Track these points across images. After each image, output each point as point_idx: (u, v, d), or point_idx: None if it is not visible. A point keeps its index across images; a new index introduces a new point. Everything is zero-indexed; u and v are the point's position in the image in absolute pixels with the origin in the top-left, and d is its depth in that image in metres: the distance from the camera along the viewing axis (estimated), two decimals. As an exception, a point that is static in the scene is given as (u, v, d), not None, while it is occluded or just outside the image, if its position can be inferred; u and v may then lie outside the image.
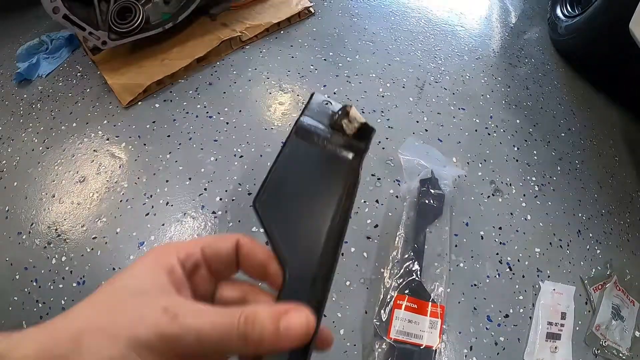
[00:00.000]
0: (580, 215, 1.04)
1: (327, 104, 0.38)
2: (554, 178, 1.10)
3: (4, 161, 1.04)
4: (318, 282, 0.30)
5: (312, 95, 0.38)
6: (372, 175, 1.00)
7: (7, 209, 0.96)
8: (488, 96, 1.25)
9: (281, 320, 0.24)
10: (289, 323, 0.24)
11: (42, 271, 0.86)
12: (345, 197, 0.33)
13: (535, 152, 1.14)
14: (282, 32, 1.34)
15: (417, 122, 1.14)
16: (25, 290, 0.84)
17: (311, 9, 1.38)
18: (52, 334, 0.23)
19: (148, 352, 0.22)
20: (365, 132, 0.36)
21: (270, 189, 0.32)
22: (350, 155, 0.35)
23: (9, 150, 1.06)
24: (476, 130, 1.15)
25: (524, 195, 1.04)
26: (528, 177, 1.08)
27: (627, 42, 1.03)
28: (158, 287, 0.25)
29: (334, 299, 0.82)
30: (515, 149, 1.13)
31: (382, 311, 0.78)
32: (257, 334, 0.23)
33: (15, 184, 1.00)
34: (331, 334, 0.30)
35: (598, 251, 0.99)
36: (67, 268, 0.86)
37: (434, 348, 0.77)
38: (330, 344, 0.30)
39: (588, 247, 0.99)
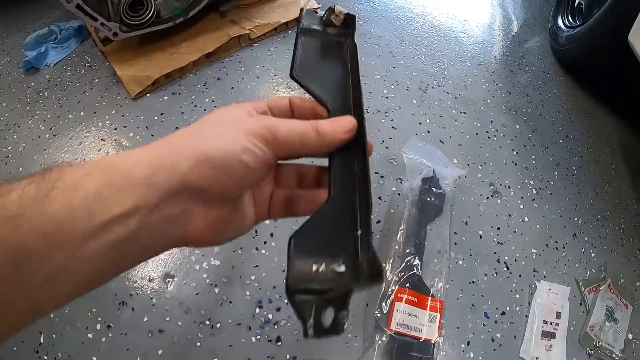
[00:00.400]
0: (576, 219, 1.07)
1: (315, 12, 0.45)
2: (552, 182, 1.12)
3: (10, 147, 1.05)
4: (353, 112, 0.37)
5: (301, 10, 0.45)
6: (376, 173, 1.02)
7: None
8: (489, 101, 1.28)
9: (335, 121, 0.34)
10: (340, 120, 0.34)
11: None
12: (353, 63, 0.42)
13: (533, 156, 1.17)
14: (290, 31, 1.36)
15: (420, 123, 1.16)
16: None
17: (319, 10, 1.40)
18: (175, 143, 0.29)
19: (254, 138, 0.30)
20: (349, 20, 0.44)
21: (298, 65, 0.39)
22: (344, 38, 0.44)
23: (15, 136, 1.07)
24: (477, 134, 1.18)
25: (522, 197, 1.06)
26: (526, 181, 1.10)
27: (627, 54, 1.06)
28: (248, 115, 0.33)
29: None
30: (515, 153, 1.16)
31: (384, 303, 0.80)
32: (324, 129, 0.33)
33: (20, 169, 1.00)
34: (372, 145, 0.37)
35: (593, 254, 1.01)
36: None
37: (432, 341, 0.78)
38: (372, 151, 0.37)
39: (583, 250, 1.01)
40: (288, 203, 0.38)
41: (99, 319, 0.78)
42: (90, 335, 0.76)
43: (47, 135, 1.06)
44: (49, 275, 0.23)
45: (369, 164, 0.35)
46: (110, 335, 0.76)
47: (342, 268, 0.30)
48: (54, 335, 0.76)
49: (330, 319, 0.28)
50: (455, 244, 0.94)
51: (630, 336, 0.92)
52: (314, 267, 0.29)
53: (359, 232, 0.31)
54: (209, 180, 0.28)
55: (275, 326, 0.79)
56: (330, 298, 0.29)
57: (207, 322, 0.78)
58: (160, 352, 0.75)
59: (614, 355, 0.87)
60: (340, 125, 0.34)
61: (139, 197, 0.26)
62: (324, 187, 0.36)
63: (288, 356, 0.76)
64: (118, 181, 0.25)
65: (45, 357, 0.74)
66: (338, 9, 0.43)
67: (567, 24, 1.48)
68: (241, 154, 0.29)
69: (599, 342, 0.88)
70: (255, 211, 0.36)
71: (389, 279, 0.83)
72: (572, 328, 0.88)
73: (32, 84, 1.20)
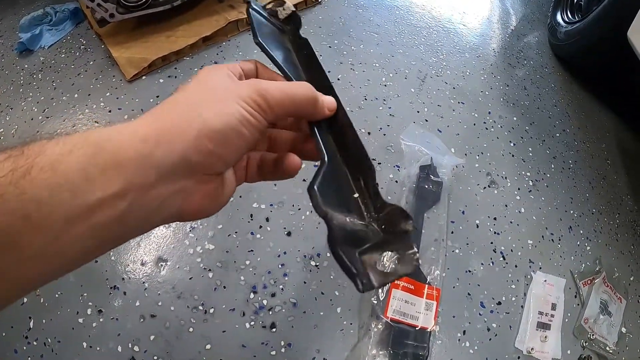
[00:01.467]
0: (571, 212, 1.07)
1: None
2: (548, 175, 1.12)
3: (2, 129, 1.02)
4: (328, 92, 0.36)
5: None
6: (373, 159, 1.01)
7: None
8: (487, 93, 1.28)
9: (324, 98, 0.34)
10: (327, 98, 0.35)
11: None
12: (306, 59, 0.41)
13: (530, 149, 1.17)
14: (288, 17, 1.35)
15: (418, 112, 1.16)
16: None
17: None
18: (158, 110, 0.27)
19: (247, 104, 0.29)
20: (294, 19, 0.43)
21: (259, 34, 0.38)
22: (289, 35, 0.43)
23: (7, 118, 1.05)
24: (474, 124, 1.17)
25: (519, 189, 1.06)
26: (523, 172, 1.10)
27: (625, 50, 1.06)
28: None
29: (332, 277, 0.83)
30: (512, 144, 1.16)
31: (380, 290, 0.79)
32: (314, 95, 0.33)
33: (12, 151, 0.98)
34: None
35: (588, 248, 1.01)
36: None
37: (429, 330, 0.78)
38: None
39: (578, 243, 1.02)
40: (260, 167, 0.37)
41: (90, 303, 0.76)
42: (80, 320, 0.74)
43: (40, 118, 1.04)
44: (30, 255, 0.21)
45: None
46: (101, 320, 0.75)
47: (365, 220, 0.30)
48: (44, 320, 0.74)
49: (389, 263, 0.27)
50: (452, 232, 0.93)
51: (623, 330, 0.92)
52: (347, 219, 0.29)
53: (356, 194, 0.32)
54: (208, 155, 0.27)
55: (270, 312, 0.78)
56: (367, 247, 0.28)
57: (201, 307, 0.77)
58: (152, 337, 0.73)
59: (607, 348, 0.87)
60: (329, 101, 0.35)
61: (132, 176, 0.24)
62: (295, 151, 0.37)
63: (282, 343, 0.75)
64: (107, 158, 0.23)
65: (35, 342, 0.72)
66: (288, 4, 0.43)
67: (566, 19, 1.48)
68: (239, 126, 0.28)
69: (593, 335, 0.88)
70: (236, 177, 0.35)
71: (386, 266, 0.82)
72: (566, 320, 0.88)
73: (26, 66, 1.17)
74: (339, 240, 0.27)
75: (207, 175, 0.28)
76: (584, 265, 0.98)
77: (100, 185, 0.23)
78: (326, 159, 0.32)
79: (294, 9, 0.43)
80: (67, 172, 0.22)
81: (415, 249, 0.28)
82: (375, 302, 0.78)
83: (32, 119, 1.04)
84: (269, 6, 0.43)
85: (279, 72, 0.37)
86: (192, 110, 0.27)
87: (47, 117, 1.04)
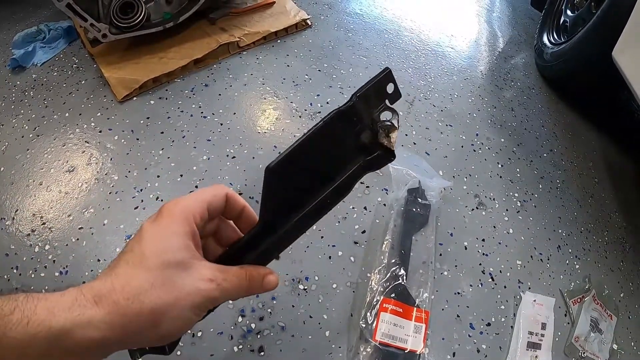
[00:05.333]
0: (560, 231, 1.08)
1: (391, 86, 0.40)
2: (536, 195, 1.13)
3: (-9, 147, 1.02)
4: (282, 234, 0.39)
5: (384, 70, 0.39)
6: (362, 183, 1.02)
7: (-9, 195, 0.94)
8: (475, 115, 1.30)
9: (265, 279, 0.40)
10: (270, 280, 0.40)
11: (24, 259, 0.84)
12: (334, 191, 0.40)
13: (518, 169, 1.18)
14: (279, 41, 1.37)
15: (406, 135, 1.17)
16: (5, 277, 0.82)
17: (308, 21, 1.42)
18: (122, 312, 0.30)
19: (200, 310, 0.34)
20: (387, 154, 0.40)
21: (284, 161, 0.36)
22: (362, 159, 0.40)
23: (-2, 135, 1.05)
24: (462, 146, 1.19)
25: (507, 210, 1.07)
26: (511, 193, 1.11)
27: (611, 70, 1.09)
28: (190, 255, 0.34)
29: (320, 300, 0.83)
30: (499, 165, 1.17)
31: (369, 314, 0.79)
32: (254, 288, 0.39)
33: (2, 169, 0.98)
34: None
35: (577, 266, 1.02)
36: (50, 257, 0.84)
37: (418, 352, 0.77)
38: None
39: (567, 261, 1.02)
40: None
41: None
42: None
43: (31, 135, 1.04)
44: None
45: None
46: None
47: None
48: None
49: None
50: (441, 254, 0.94)
51: (615, 346, 0.92)
52: None
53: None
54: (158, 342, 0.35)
55: (258, 336, 0.77)
56: None
57: (188, 331, 0.76)
58: (139, 361, 0.72)
59: (598, 366, 0.87)
60: (268, 283, 0.40)
61: None
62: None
63: (271, 366, 0.75)
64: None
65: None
66: (394, 137, 0.40)
67: (552, 40, 1.51)
68: (191, 325, 0.35)
69: (584, 353, 0.88)
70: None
71: (374, 289, 0.82)
72: (557, 339, 0.89)
73: (18, 82, 1.17)
74: None
75: None
76: (573, 283, 0.99)
77: None
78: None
79: (393, 149, 0.39)
80: None
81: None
82: (364, 325, 0.78)
83: (22, 137, 1.04)
84: (382, 117, 0.39)
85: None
86: (148, 321, 0.32)
87: (38, 136, 1.04)
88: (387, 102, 0.40)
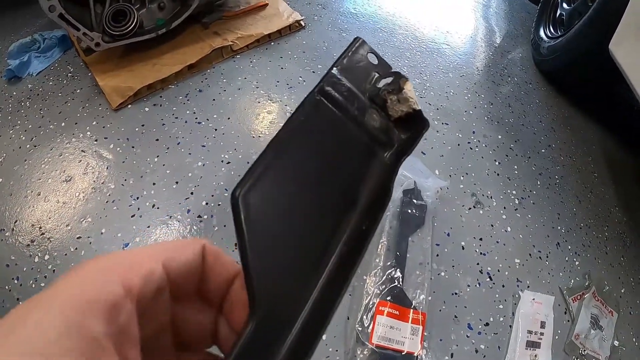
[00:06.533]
0: (559, 228, 1.07)
1: (373, 57, 0.29)
2: (534, 192, 1.13)
3: (-11, 159, 1.03)
4: (299, 330, 0.20)
5: (356, 40, 0.29)
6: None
7: (-10, 206, 0.95)
8: (471, 112, 1.29)
9: None
10: None
11: (24, 269, 0.85)
12: (365, 210, 0.24)
13: (515, 166, 1.18)
14: (272, 43, 1.37)
15: (403, 134, 1.16)
16: (6, 287, 0.83)
17: (302, 22, 1.41)
18: None
19: None
20: (413, 123, 0.27)
21: (260, 178, 0.22)
22: (384, 152, 0.27)
23: (-5, 147, 1.05)
24: (459, 145, 1.18)
25: (505, 207, 1.07)
26: (509, 191, 1.11)
27: (608, 63, 1.08)
28: None
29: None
30: (497, 163, 1.17)
31: (365, 317, 0.79)
32: None
33: (0, 180, 0.98)
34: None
35: (577, 263, 1.02)
36: (49, 267, 0.85)
37: (415, 354, 0.77)
38: None
39: (567, 258, 1.02)
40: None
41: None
42: None
43: (28, 146, 1.05)
44: None
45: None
46: None
47: None
48: None
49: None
50: (437, 255, 0.94)
51: (616, 343, 0.92)
52: None
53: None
54: None
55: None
56: None
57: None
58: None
59: (599, 363, 0.87)
60: None
61: None
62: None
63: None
64: None
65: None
66: (408, 89, 0.28)
67: (549, 34, 1.50)
68: None
69: (584, 350, 0.88)
70: None
71: (370, 292, 0.82)
72: (557, 337, 0.88)
73: (14, 93, 1.18)
74: None
75: None
76: (573, 280, 0.98)
77: None
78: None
79: (418, 108, 0.27)
80: None
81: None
82: (360, 328, 0.78)
83: (19, 148, 1.04)
84: (382, 84, 0.29)
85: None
86: None
87: (35, 146, 1.04)
88: (375, 73, 0.29)
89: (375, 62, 0.30)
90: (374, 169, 0.26)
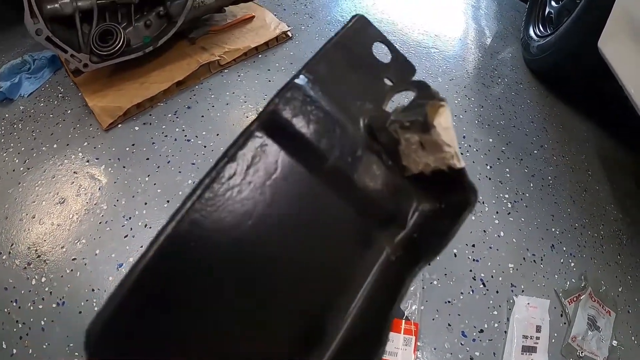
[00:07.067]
0: (553, 229, 1.07)
1: (382, 48, 0.18)
2: (527, 194, 1.13)
3: (-17, 183, 1.04)
4: None
5: (356, 20, 0.18)
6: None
7: (-14, 230, 0.96)
8: (461, 116, 1.29)
9: None
10: None
11: (22, 292, 0.86)
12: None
13: (507, 169, 1.17)
14: (260, 55, 1.37)
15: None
16: (5, 310, 0.84)
17: (289, 32, 1.41)
18: None
19: None
20: (446, 191, 0.18)
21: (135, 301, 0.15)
22: (388, 243, 0.18)
23: (-11, 170, 1.06)
24: (450, 150, 1.18)
25: (497, 212, 1.06)
26: (501, 195, 1.11)
27: (597, 60, 1.07)
28: None
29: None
30: (488, 167, 1.16)
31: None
32: None
33: (-5, 204, 1.00)
34: None
35: (572, 264, 1.01)
36: (46, 289, 0.86)
37: (408, 365, 0.78)
38: None
39: (562, 260, 1.01)
40: None
41: (77, 353, 0.78)
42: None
43: (22, 169, 1.05)
44: None
45: None
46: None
47: None
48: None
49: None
50: (429, 264, 0.93)
51: (615, 343, 0.92)
52: None
53: None
54: None
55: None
56: None
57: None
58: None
59: (598, 364, 0.87)
60: None
61: None
62: None
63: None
64: None
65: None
66: (442, 116, 0.19)
67: (539, 33, 1.50)
68: None
69: (582, 352, 0.87)
70: None
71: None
72: (553, 340, 0.88)
73: (7, 115, 1.19)
74: None
75: None
76: (568, 282, 0.98)
77: None
78: None
79: (460, 166, 0.19)
80: None
81: None
82: (353, 342, 0.78)
83: (13, 170, 1.05)
84: (394, 109, 0.18)
85: None
86: None
87: (28, 169, 1.05)
88: (386, 80, 0.19)
89: (388, 58, 0.18)
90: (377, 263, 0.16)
